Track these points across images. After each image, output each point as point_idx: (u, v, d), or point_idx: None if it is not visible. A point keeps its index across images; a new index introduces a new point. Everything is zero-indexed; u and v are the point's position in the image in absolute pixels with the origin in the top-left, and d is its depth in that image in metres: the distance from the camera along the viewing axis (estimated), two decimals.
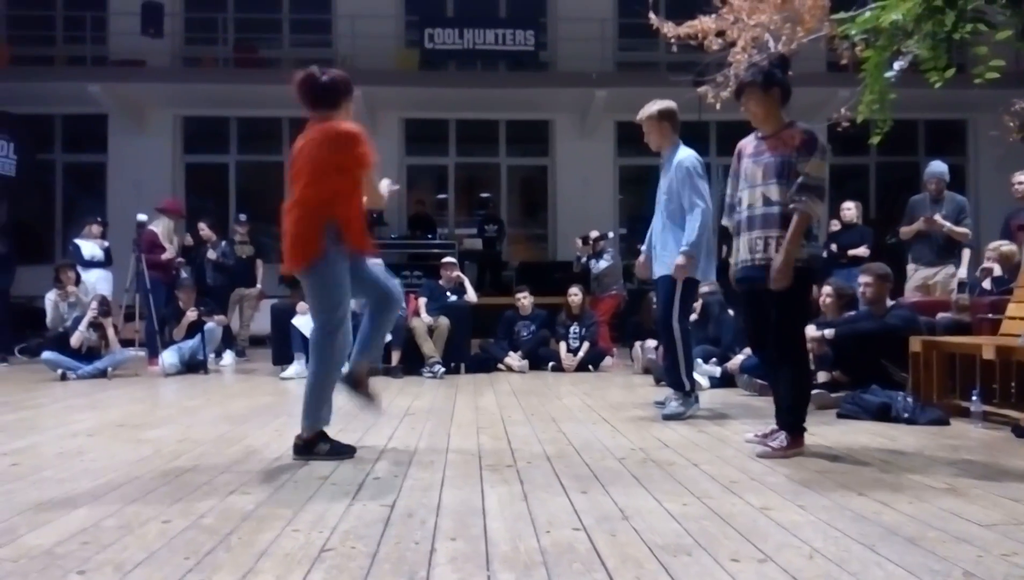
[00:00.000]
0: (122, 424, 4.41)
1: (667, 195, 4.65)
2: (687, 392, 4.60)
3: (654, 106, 4.69)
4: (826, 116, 7.02)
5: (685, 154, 4.62)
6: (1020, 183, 6.56)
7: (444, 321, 7.40)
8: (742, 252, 3.61)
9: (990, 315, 5.08)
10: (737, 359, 6.03)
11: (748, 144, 3.70)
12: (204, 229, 9.10)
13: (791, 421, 3.52)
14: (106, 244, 8.87)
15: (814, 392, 4.56)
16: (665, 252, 4.64)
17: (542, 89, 12.13)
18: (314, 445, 3.39)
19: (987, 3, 4.18)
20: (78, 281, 7.95)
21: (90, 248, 8.68)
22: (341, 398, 3.50)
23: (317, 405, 3.41)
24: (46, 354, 7.03)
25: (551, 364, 7.70)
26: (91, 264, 8.57)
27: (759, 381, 5.48)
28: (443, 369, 7.14)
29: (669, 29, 7.66)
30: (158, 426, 4.34)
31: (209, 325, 7.62)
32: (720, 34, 7.29)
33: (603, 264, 9.13)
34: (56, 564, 2.03)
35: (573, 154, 12.83)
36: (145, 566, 2.02)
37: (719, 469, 3.17)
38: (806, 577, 1.93)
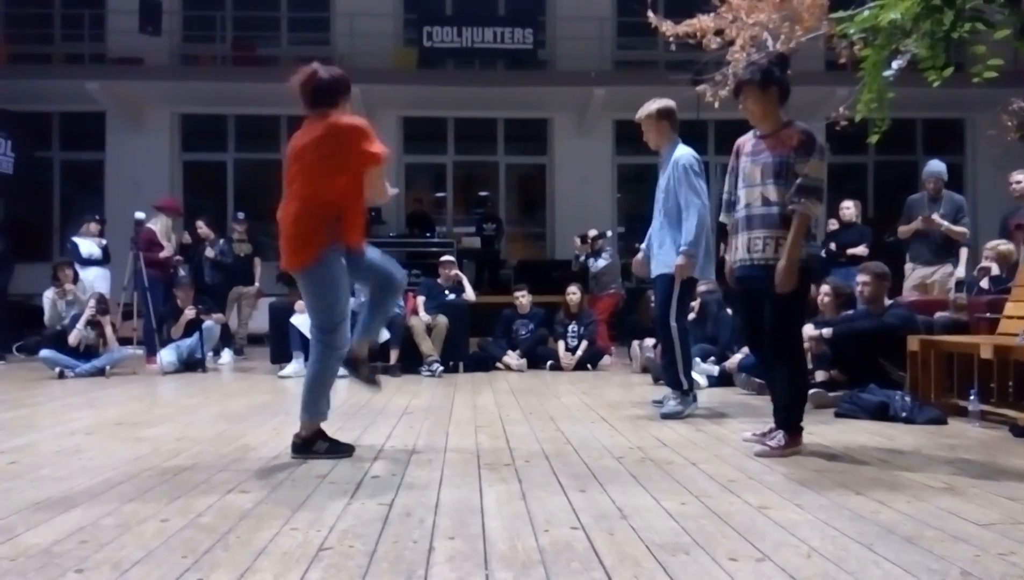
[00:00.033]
0: (120, 422, 4.41)
1: (665, 193, 4.65)
2: (685, 391, 4.60)
3: (653, 105, 4.69)
4: (824, 115, 7.02)
5: (683, 152, 4.62)
6: (1018, 182, 6.56)
7: (442, 320, 7.40)
8: (740, 251, 3.61)
9: (988, 314, 5.08)
10: (735, 358, 6.03)
11: (746, 142, 3.70)
12: (202, 227, 9.09)
13: (788, 420, 3.52)
14: (104, 242, 8.85)
15: (812, 391, 4.57)
16: (662, 251, 4.64)
17: (541, 88, 12.13)
18: (312, 443, 3.39)
19: (985, 2, 4.18)
20: (76, 279, 7.96)
21: (88, 246, 8.67)
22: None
23: (316, 399, 3.41)
24: (44, 352, 7.02)
25: (549, 363, 7.70)
26: (89, 262, 8.56)
27: (757, 380, 5.48)
28: (441, 368, 7.14)
29: (668, 28, 7.66)
30: (156, 424, 4.34)
31: (207, 323, 7.61)
32: (719, 33, 7.29)
33: (601, 263, 9.13)
34: (54, 563, 2.03)
35: (571, 153, 12.83)
36: (143, 565, 2.02)
37: (717, 468, 3.17)
38: (804, 576, 1.93)
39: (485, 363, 7.69)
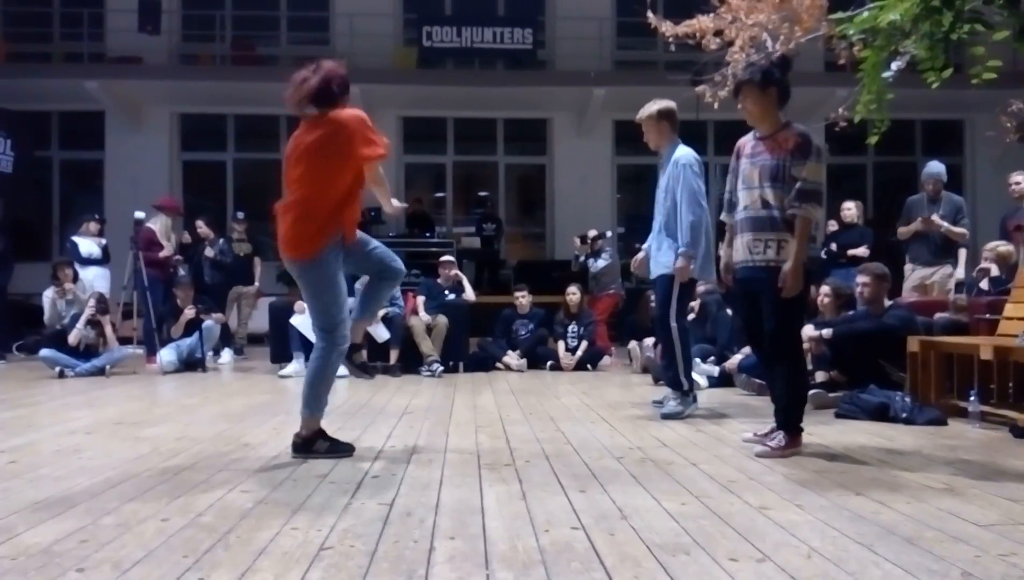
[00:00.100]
0: (120, 422, 4.40)
1: (665, 194, 4.66)
2: (685, 391, 4.61)
3: (653, 106, 4.70)
4: (824, 116, 7.01)
5: (683, 153, 4.63)
6: (1017, 183, 6.57)
7: (442, 320, 7.40)
8: (741, 252, 3.63)
9: (987, 315, 5.08)
10: (735, 358, 6.03)
11: (746, 144, 3.71)
12: (202, 227, 9.08)
13: (788, 420, 3.53)
14: (104, 241, 8.85)
15: (812, 392, 4.57)
16: (661, 252, 4.66)
17: (540, 88, 12.13)
18: (313, 443, 3.39)
19: (985, 3, 4.18)
20: (76, 279, 7.95)
21: (88, 245, 8.67)
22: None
23: (317, 395, 3.41)
24: (44, 352, 7.02)
25: (549, 363, 7.70)
26: (89, 262, 8.55)
27: (757, 381, 5.49)
28: (441, 368, 7.13)
29: (667, 28, 7.65)
30: (156, 424, 4.34)
31: (207, 323, 7.61)
32: (718, 33, 7.28)
33: (601, 263, 9.13)
34: (54, 562, 2.03)
35: (571, 153, 12.83)
36: (143, 564, 2.02)
37: (717, 468, 3.17)
38: (804, 576, 1.93)
39: (485, 363, 7.69)
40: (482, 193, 12.79)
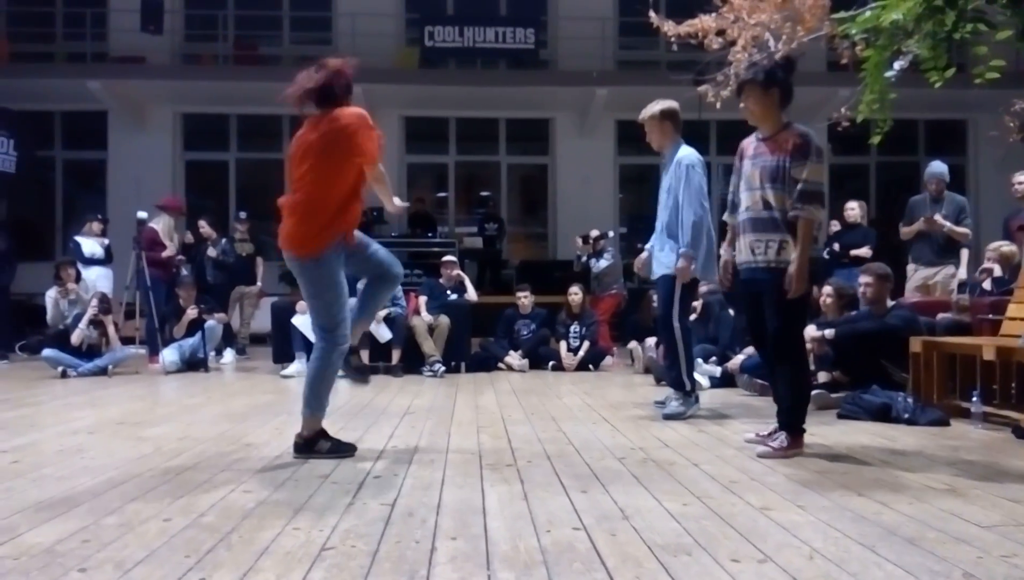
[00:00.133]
0: (122, 422, 4.41)
1: (668, 194, 4.66)
2: (687, 392, 4.60)
3: (656, 106, 4.70)
4: (826, 116, 7.00)
5: (686, 153, 4.63)
6: (1020, 183, 6.55)
7: (444, 320, 7.40)
8: (744, 253, 3.64)
9: (990, 316, 5.07)
10: (737, 359, 6.03)
11: (749, 144, 3.71)
12: (204, 227, 9.09)
13: (790, 421, 3.52)
14: (106, 241, 8.87)
15: (814, 392, 4.57)
16: (664, 252, 4.65)
17: (542, 87, 12.13)
18: (314, 443, 3.39)
19: (988, 3, 4.17)
20: (78, 278, 7.96)
21: (90, 245, 8.68)
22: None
23: (318, 395, 3.42)
24: (46, 351, 7.03)
25: (551, 363, 7.70)
26: (91, 261, 8.58)
27: (759, 381, 5.49)
28: (443, 368, 7.14)
29: (669, 28, 7.64)
30: (158, 424, 4.34)
31: (209, 323, 7.62)
32: (720, 33, 7.27)
33: (603, 263, 9.13)
34: (57, 562, 2.04)
35: (573, 153, 12.83)
36: (146, 564, 2.02)
37: (719, 469, 3.17)
38: (806, 577, 1.93)
39: (487, 363, 7.69)
40: (484, 193, 12.78)
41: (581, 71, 11.76)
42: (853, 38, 4.68)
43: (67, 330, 7.15)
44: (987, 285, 5.91)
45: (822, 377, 5.15)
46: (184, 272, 8.47)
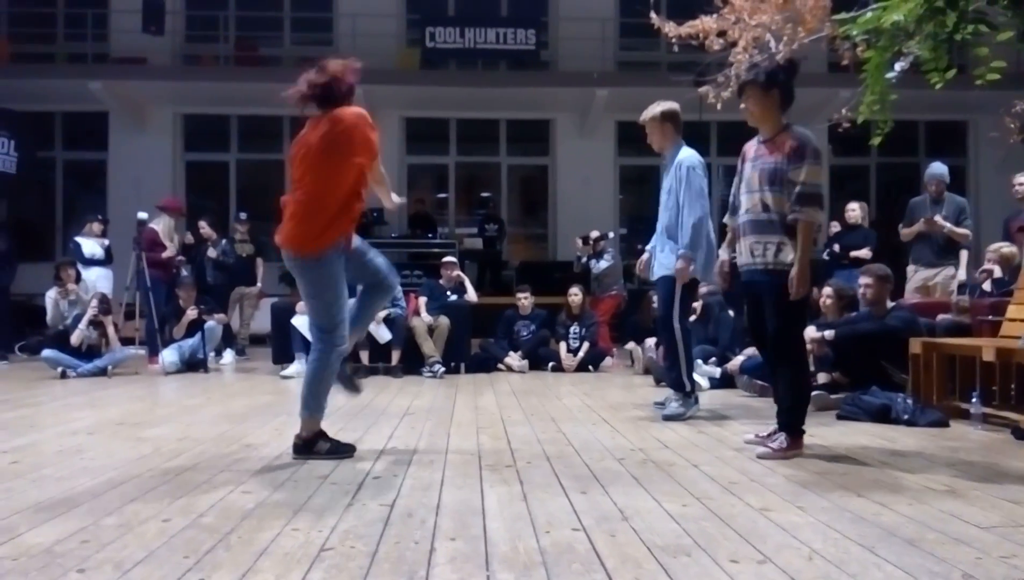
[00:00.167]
0: (122, 422, 4.41)
1: (669, 195, 4.66)
2: (687, 393, 4.60)
3: (657, 108, 4.71)
4: (827, 116, 6.99)
5: (686, 154, 4.64)
6: (1020, 184, 6.54)
7: (444, 321, 7.40)
8: (744, 255, 3.65)
9: (990, 317, 5.07)
10: (737, 360, 6.03)
11: (751, 148, 3.73)
12: (204, 227, 9.09)
13: (790, 422, 3.52)
14: (106, 242, 8.87)
15: (814, 393, 4.56)
16: (664, 253, 4.65)
17: (543, 88, 12.13)
18: (314, 444, 3.39)
19: (989, 4, 4.17)
20: (78, 279, 7.96)
21: (90, 246, 8.68)
22: (341, 399, 3.50)
23: (316, 396, 3.41)
24: (46, 352, 7.04)
25: (551, 364, 7.69)
26: (91, 262, 8.58)
27: (759, 382, 5.49)
28: (443, 369, 7.13)
29: (670, 29, 7.63)
30: (158, 424, 4.34)
31: (209, 324, 7.62)
32: (721, 34, 7.26)
33: (603, 264, 9.12)
34: (56, 563, 2.04)
35: (574, 154, 12.83)
36: (145, 565, 2.02)
37: (719, 470, 3.17)
38: (805, 578, 1.93)
39: (487, 364, 7.69)
40: (484, 194, 12.78)
41: (581, 72, 11.76)
42: (854, 39, 4.68)
43: (67, 331, 7.15)
44: (987, 286, 5.91)
45: (822, 378, 5.15)
46: (184, 273, 8.47)
